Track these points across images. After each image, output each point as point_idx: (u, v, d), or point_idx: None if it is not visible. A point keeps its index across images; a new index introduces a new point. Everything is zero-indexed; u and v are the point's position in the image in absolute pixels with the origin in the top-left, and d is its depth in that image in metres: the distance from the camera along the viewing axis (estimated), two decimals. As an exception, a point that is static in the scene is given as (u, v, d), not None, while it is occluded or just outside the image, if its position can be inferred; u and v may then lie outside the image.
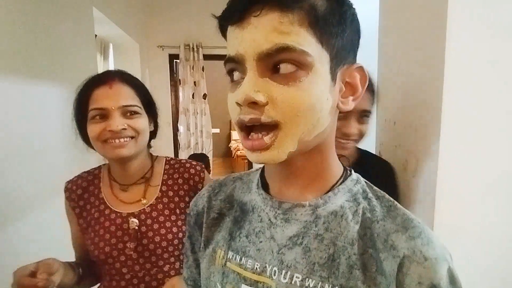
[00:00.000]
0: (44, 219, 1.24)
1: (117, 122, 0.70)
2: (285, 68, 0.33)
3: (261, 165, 0.48)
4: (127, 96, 0.73)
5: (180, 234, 0.76)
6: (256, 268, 0.40)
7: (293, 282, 0.37)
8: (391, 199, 0.40)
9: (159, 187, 0.79)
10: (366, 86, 0.39)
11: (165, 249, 0.75)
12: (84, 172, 0.82)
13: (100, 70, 2.31)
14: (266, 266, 0.39)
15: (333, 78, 0.36)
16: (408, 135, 0.89)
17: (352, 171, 0.43)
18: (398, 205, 0.39)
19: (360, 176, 0.43)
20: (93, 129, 0.71)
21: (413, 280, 0.34)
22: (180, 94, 3.43)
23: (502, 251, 0.82)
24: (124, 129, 0.71)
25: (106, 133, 0.70)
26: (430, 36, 0.80)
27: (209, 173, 2.13)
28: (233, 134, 6.16)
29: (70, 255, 0.82)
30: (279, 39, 0.32)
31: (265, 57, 0.33)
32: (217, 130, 5.38)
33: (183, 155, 3.40)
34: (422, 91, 0.84)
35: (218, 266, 0.44)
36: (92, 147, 0.77)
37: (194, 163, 0.84)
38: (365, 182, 0.42)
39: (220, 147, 6.12)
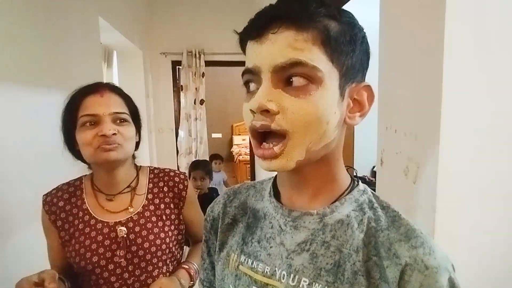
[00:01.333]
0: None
1: (109, 126, 0.71)
2: (297, 81, 0.36)
3: (272, 174, 0.51)
4: (117, 104, 0.76)
5: (167, 239, 0.79)
6: (266, 271, 0.43)
7: (300, 286, 0.40)
8: (396, 209, 0.42)
9: (145, 195, 0.81)
10: (372, 104, 0.42)
11: (154, 255, 0.77)
12: (63, 184, 0.82)
13: (105, 77, 2.34)
14: (275, 270, 0.42)
15: (342, 94, 0.39)
16: (409, 142, 0.91)
17: (360, 182, 0.45)
18: (402, 215, 0.41)
19: (367, 187, 0.45)
20: (84, 136, 0.72)
21: (414, 287, 0.36)
22: (182, 100, 3.46)
23: (503, 257, 0.83)
24: (115, 134, 0.72)
25: (98, 139, 0.71)
26: (428, 45, 0.82)
27: (209, 178, 2.15)
28: (235, 139, 6.18)
29: None
30: (293, 54, 0.36)
31: (279, 70, 0.37)
32: (219, 135, 5.42)
33: (184, 160, 3.42)
34: (421, 99, 0.86)
35: (231, 269, 0.46)
36: (78, 157, 0.78)
37: (177, 171, 0.88)
38: (372, 192, 0.45)
39: (222, 152, 6.13)
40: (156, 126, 3.37)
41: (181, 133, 3.46)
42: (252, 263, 0.44)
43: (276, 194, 0.47)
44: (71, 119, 0.74)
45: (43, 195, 0.80)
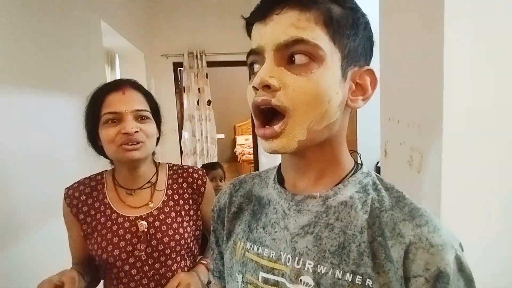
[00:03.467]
0: (58, 228, 1.28)
1: (131, 124, 0.73)
2: (299, 59, 0.37)
3: (277, 164, 0.52)
4: (139, 102, 0.77)
5: (186, 235, 0.80)
6: (272, 256, 0.43)
7: (305, 268, 0.40)
8: (400, 190, 0.42)
9: (165, 191, 0.83)
10: (375, 88, 0.42)
11: (173, 249, 0.78)
12: (85, 178, 0.84)
13: (108, 80, 2.37)
14: (281, 254, 0.42)
15: (344, 76, 0.39)
16: (412, 132, 0.91)
17: (363, 165, 0.45)
18: (407, 195, 0.41)
19: (370, 169, 0.45)
20: (107, 133, 0.74)
21: (419, 266, 0.35)
22: (185, 101, 3.48)
23: (508, 243, 0.83)
24: (137, 131, 0.74)
25: (121, 136, 0.73)
26: (429, 34, 0.82)
27: (224, 180, 2.13)
28: (238, 139, 6.19)
29: None
30: (295, 32, 0.37)
31: (282, 48, 0.37)
32: (222, 136, 5.43)
33: (189, 161, 3.44)
34: (423, 89, 0.86)
35: (238, 257, 0.47)
36: (101, 153, 0.80)
37: (196, 168, 0.89)
38: (376, 175, 0.45)
39: (225, 152, 6.16)
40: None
41: (185, 134, 3.48)
42: (257, 249, 0.45)
43: (280, 180, 0.48)
44: (94, 116, 0.76)
45: (65, 188, 0.82)
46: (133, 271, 0.77)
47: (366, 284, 0.37)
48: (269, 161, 3.27)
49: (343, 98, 0.40)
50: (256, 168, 3.84)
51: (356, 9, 0.40)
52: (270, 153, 0.40)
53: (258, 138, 0.41)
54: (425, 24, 0.85)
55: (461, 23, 0.76)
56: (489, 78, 0.79)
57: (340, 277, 0.38)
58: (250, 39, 0.42)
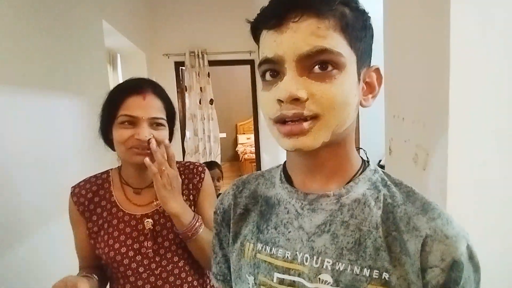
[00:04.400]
0: (62, 229, 1.28)
1: (145, 132, 0.74)
2: (321, 67, 0.37)
3: (280, 162, 0.52)
4: (157, 109, 0.78)
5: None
6: (287, 256, 0.43)
7: (324, 267, 0.40)
8: (409, 185, 0.43)
9: None
10: (381, 85, 0.44)
11: (178, 245, 0.79)
12: (91, 176, 0.85)
13: (110, 80, 2.37)
14: (296, 254, 0.42)
15: (359, 78, 0.41)
16: (417, 130, 0.91)
17: (370, 162, 0.46)
18: (416, 190, 0.42)
19: (377, 166, 0.46)
20: (121, 134, 0.75)
21: (436, 257, 0.37)
22: (187, 100, 3.48)
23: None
24: (150, 139, 0.75)
25: (133, 140, 0.74)
26: (435, 30, 0.82)
27: (222, 179, 2.13)
28: (240, 138, 6.19)
29: None
30: (317, 42, 0.36)
31: (304, 58, 0.37)
32: (224, 135, 5.44)
33: (192, 160, 3.44)
34: (428, 85, 0.86)
35: (248, 259, 0.46)
36: (110, 146, 0.81)
37: (197, 164, 0.89)
38: (382, 171, 0.46)
39: (227, 151, 6.16)
40: (162, 127, 3.40)
41: (188, 133, 3.48)
42: (270, 250, 0.44)
43: (287, 180, 0.47)
44: (111, 114, 0.77)
45: (72, 187, 0.82)
46: (141, 269, 0.77)
47: (383, 277, 0.38)
48: (271, 160, 3.27)
49: (359, 99, 0.42)
50: (258, 167, 3.84)
51: (364, 11, 0.41)
52: (291, 150, 0.40)
53: (277, 136, 0.40)
54: (430, 20, 0.84)
55: (468, 19, 0.76)
56: (496, 74, 0.78)
57: (358, 272, 0.39)
58: (257, 44, 0.42)
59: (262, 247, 0.45)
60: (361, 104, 0.42)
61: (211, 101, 3.50)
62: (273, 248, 0.44)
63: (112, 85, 2.39)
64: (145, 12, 3.12)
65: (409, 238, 0.38)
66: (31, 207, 1.12)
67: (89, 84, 1.66)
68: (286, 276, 0.42)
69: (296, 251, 0.42)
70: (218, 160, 3.49)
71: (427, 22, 0.85)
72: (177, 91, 3.47)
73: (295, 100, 0.37)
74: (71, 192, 0.81)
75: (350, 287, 0.39)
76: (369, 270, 0.38)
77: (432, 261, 0.37)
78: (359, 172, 0.44)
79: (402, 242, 0.38)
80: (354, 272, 0.39)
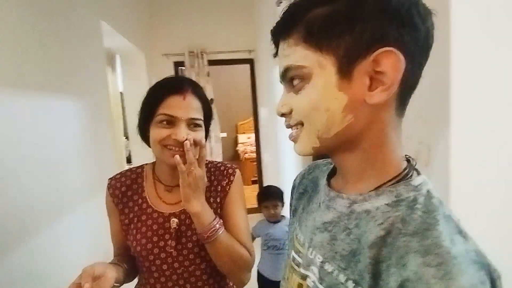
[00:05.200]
0: (62, 232, 1.28)
1: (183, 132, 0.74)
2: (295, 82, 0.41)
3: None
4: (196, 110, 0.78)
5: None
6: (300, 239, 0.48)
7: (315, 261, 0.43)
8: (439, 218, 0.34)
9: None
10: (400, 72, 0.36)
11: (201, 247, 0.78)
12: (127, 170, 0.86)
13: (109, 81, 2.37)
14: (305, 240, 0.47)
15: (345, 76, 0.37)
16: (418, 126, 0.90)
17: (416, 177, 0.39)
18: (440, 226, 0.33)
19: (427, 184, 0.38)
20: (158, 132, 0.75)
21: None
22: (187, 100, 3.48)
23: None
24: (187, 140, 0.74)
25: (170, 140, 0.74)
26: (435, 24, 0.81)
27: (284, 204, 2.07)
28: (240, 137, 6.19)
29: (96, 260, 0.83)
30: (284, 62, 0.41)
31: (284, 77, 0.43)
32: (224, 134, 5.44)
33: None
34: (430, 81, 0.85)
35: (292, 234, 0.53)
36: (148, 145, 0.81)
37: (228, 165, 0.88)
38: (428, 191, 0.37)
39: (228, 150, 6.16)
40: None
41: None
42: (297, 230, 0.50)
43: (332, 172, 0.50)
44: (150, 112, 0.77)
45: (108, 179, 0.84)
46: (164, 267, 0.78)
47: None
48: (272, 159, 3.27)
49: (351, 99, 0.37)
50: (259, 166, 3.84)
51: (347, 1, 0.36)
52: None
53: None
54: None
55: (469, 14, 0.75)
56: (497, 70, 0.78)
57: (342, 281, 0.38)
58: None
59: (297, 227, 0.51)
60: (368, 102, 0.37)
61: (211, 101, 3.48)
62: (298, 230, 0.50)
63: (111, 86, 2.40)
64: (144, 12, 3.11)
65: (393, 273, 0.33)
66: (32, 209, 1.12)
67: (88, 85, 1.66)
68: (296, 256, 0.48)
69: (306, 238, 0.47)
70: (219, 160, 3.48)
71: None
72: (177, 91, 3.47)
73: (283, 115, 0.44)
74: (108, 184, 0.84)
75: None
76: (353, 284, 0.36)
77: None
78: (390, 183, 0.39)
79: (388, 274, 0.33)
80: (339, 279, 0.38)
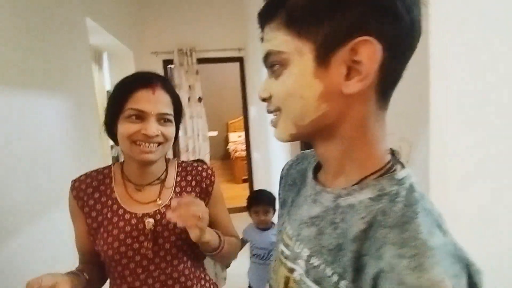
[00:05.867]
0: (46, 231, 1.26)
1: (153, 127, 0.72)
2: (275, 67, 0.41)
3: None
4: (166, 104, 0.75)
5: None
6: (289, 233, 0.47)
7: (301, 255, 0.43)
8: (418, 212, 0.34)
9: (173, 188, 0.82)
10: (376, 62, 0.35)
11: (179, 248, 0.77)
12: (93, 171, 0.82)
13: (96, 78, 2.33)
14: (293, 234, 0.46)
15: (323, 64, 0.36)
16: (399, 123, 0.92)
17: (399, 170, 0.39)
18: (422, 222, 0.33)
19: (410, 178, 0.38)
20: (127, 128, 0.72)
21: None
22: (176, 98, 3.45)
23: (496, 234, 0.85)
24: (157, 135, 0.73)
25: (139, 135, 0.72)
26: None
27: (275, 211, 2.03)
28: (231, 136, 6.18)
29: (76, 262, 0.82)
30: (265, 47, 0.41)
31: (265, 62, 0.42)
32: (215, 133, 5.42)
33: (182, 159, 3.42)
34: (410, 79, 0.87)
35: (281, 227, 0.53)
36: (113, 140, 0.79)
37: (205, 166, 0.87)
38: (410, 185, 0.37)
39: (218, 149, 6.14)
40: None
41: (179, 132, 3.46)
42: (286, 223, 0.50)
43: (318, 167, 0.50)
44: (118, 107, 0.73)
45: (72, 180, 0.79)
46: (139, 270, 0.75)
47: None
48: (262, 158, 3.28)
49: (327, 88, 0.37)
50: (249, 165, 3.84)
51: None
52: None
53: None
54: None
55: (446, 14, 0.77)
56: (476, 67, 0.80)
57: (329, 275, 0.38)
58: None
59: (285, 219, 0.51)
60: (344, 92, 0.36)
61: (200, 99, 3.48)
62: (287, 222, 0.50)
63: (97, 84, 2.36)
64: (132, 9, 3.07)
65: (371, 265, 0.33)
66: (15, 207, 1.09)
67: (73, 82, 1.63)
68: (284, 249, 0.47)
69: (294, 231, 0.46)
70: (207, 159, 3.47)
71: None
72: (166, 90, 3.44)
73: (264, 100, 0.44)
74: (71, 186, 0.79)
75: (317, 283, 0.39)
76: (338, 277, 0.37)
77: None
78: (373, 176, 0.39)
79: (367, 266, 0.34)
80: (325, 273, 0.38)
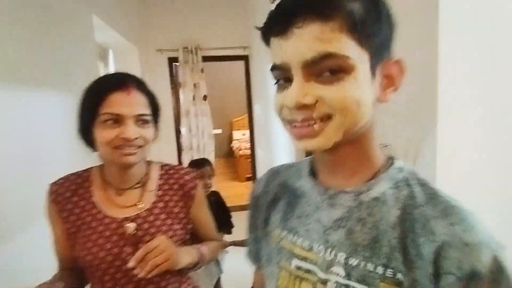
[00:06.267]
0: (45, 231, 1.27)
1: (132, 131, 0.69)
2: (329, 72, 0.37)
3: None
4: (143, 105, 0.73)
5: (175, 238, 0.77)
6: (305, 246, 0.45)
7: (337, 260, 0.42)
8: (434, 187, 0.41)
9: (155, 191, 0.80)
10: (403, 77, 0.41)
11: None
12: (71, 174, 0.79)
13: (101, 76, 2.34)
14: (313, 244, 0.44)
15: (373, 74, 0.39)
16: (407, 125, 0.91)
17: (396, 160, 0.44)
18: (441, 192, 0.40)
19: (407, 164, 0.44)
20: (105, 134, 0.69)
21: (452, 264, 0.35)
22: (181, 96, 3.46)
23: (504, 233, 0.84)
24: (137, 138, 0.71)
25: (119, 140, 0.69)
26: (424, 26, 0.82)
27: (214, 176, 2.06)
28: (235, 134, 6.18)
29: None
30: (322, 47, 0.36)
31: (310, 65, 0.37)
32: (219, 131, 5.43)
33: (186, 157, 3.43)
34: (419, 81, 0.86)
35: (275, 244, 0.49)
36: (90, 145, 0.75)
37: (188, 169, 0.86)
38: (410, 169, 0.44)
39: (222, 147, 6.15)
40: (156, 123, 3.38)
41: (183, 130, 3.47)
42: (292, 237, 0.47)
43: (314, 173, 0.49)
44: (92, 112, 0.70)
45: (49, 184, 0.77)
46: (119, 275, 0.73)
47: (397, 277, 0.37)
48: (266, 156, 3.28)
49: (375, 96, 0.40)
50: (253, 163, 3.84)
51: (376, 1, 0.39)
52: (303, 151, 0.42)
53: (291, 137, 0.42)
54: (420, 17, 0.84)
55: (456, 16, 0.76)
56: (483, 70, 0.79)
57: (371, 270, 0.39)
58: (268, 46, 0.42)
59: (286, 235, 0.48)
60: (379, 100, 0.41)
61: (205, 97, 3.48)
62: (295, 236, 0.47)
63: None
64: (138, 6, 3.07)
65: (424, 242, 0.37)
66: (16, 207, 1.09)
67: (79, 80, 1.63)
68: (303, 264, 0.45)
69: (313, 241, 0.44)
70: (212, 157, 3.48)
71: (417, 18, 0.85)
72: (171, 87, 3.44)
73: (304, 106, 0.38)
74: (48, 190, 0.76)
75: (362, 282, 0.39)
76: (383, 268, 0.38)
77: (448, 267, 0.35)
78: (382, 170, 0.43)
79: (418, 245, 0.37)
80: (367, 268, 0.39)
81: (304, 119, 0.39)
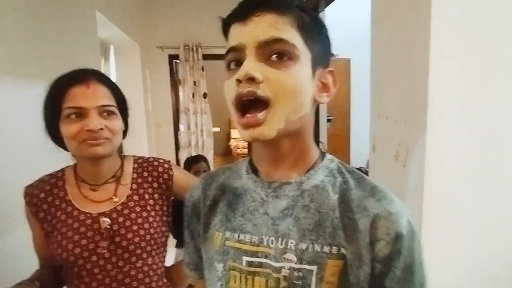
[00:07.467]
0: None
1: (96, 121, 0.69)
2: (278, 56, 0.43)
3: (247, 157, 0.56)
4: (104, 96, 0.73)
5: (152, 230, 0.77)
6: (254, 240, 0.47)
7: (288, 247, 0.45)
8: (360, 172, 0.50)
9: (130, 185, 0.80)
10: (337, 87, 0.49)
11: (137, 245, 0.75)
12: (45, 175, 0.80)
13: (103, 71, 2.35)
14: (263, 238, 0.47)
15: (313, 73, 0.46)
16: (399, 128, 0.95)
17: (327, 154, 0.52)
18: (365, 176, 0.49)
19: (333, 156, 0.53)
20: (69, 129, 0.70)
21: (382, 231, 0.43)
22: (180, 93, 3.47)
23: (491, 236, 0.87)
24: (102, 129, 0.70)
25: (84, 133, 0.69)
26: (416, 32, 0.85)
27: None
28: (233, 132, 6.20)
29: None
30: (275, 33, 0.42)
31: (263, 46, 0.43)
32: (217, 129, 5.44)
33: (184, 154, 3.45)
34: (410, 87, 0.90)
35: (218, 247, 0.50)
36: (61, 145, 0.76)
37: (162, 160, 0.85)
38: (338, 161, 0.52)
39: (220, 146, 6.16)
40: (155, 120, 3.39)
41: (181, 127, 3.48)
42: (238, 236, 0.48)
43: (254, 171, 0.52)
44: (55, 109, 0.71)
45: (25, 187, 0.78)
46: (96, 270, 0.74)
47: (341, 252, 0.43)
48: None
49: (313, 93, 0.46)
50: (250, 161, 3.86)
51: (320, 20, 0.48)
52: (250, 141, 0.46)
53: (238, 127, 0.46)
54: (413, 24, 0.88)
55: (447, 23, 0.79)
56: (472, 76, 0.82)
57: (319, 250, 0.44)
58: (226, 39, 0.47)
59: (230, 235, 0.49)
60: (316, 100, 0.47)
61: (205, 95, 3.50)
62: (241, 234, 0.48)
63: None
64: (140, 3, 3.09)
65: (359, 218, 0.44)
66: (4, 201, 1.05)
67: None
68: (254, 259, 0.46)
69: (262, 235, 0.47)
70: (211, 155, 3.50)
71: (410, 26, 0.89)
72: (171, 84, 3.46)
73: (251, 80, 0.42)
74: (24, 192, 0.77)
75: (312, 263, 0.43)
76: (328, 247, 0.44)
77: (379, 235, 0.43)
78: (318, 162, 0.50)
79: (355, 221, 0.44)
80: (315, 249, 0.44)
81: (248, 92, 0.42)
